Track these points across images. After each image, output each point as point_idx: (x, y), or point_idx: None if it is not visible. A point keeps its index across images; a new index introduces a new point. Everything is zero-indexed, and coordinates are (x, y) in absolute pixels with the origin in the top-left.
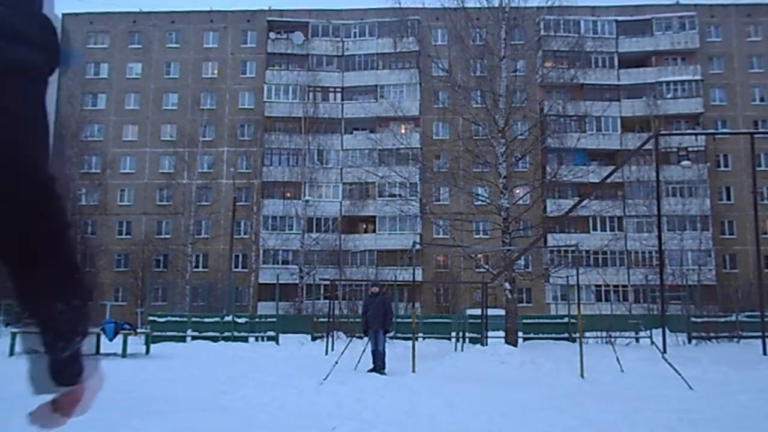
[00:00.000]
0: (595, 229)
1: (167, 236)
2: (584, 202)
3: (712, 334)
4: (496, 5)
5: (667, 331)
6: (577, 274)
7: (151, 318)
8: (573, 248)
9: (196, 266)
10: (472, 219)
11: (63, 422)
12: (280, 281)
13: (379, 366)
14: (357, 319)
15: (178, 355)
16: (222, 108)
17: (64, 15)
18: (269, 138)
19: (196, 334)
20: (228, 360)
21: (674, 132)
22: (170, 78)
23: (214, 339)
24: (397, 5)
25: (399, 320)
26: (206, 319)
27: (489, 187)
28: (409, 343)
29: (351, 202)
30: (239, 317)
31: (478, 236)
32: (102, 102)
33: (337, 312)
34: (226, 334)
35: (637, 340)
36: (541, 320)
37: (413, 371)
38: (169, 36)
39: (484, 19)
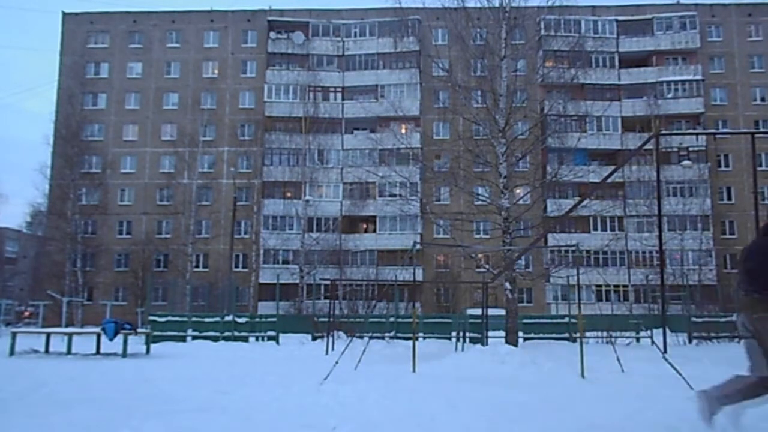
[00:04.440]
0: (595, 229)
1: (167, 236)
2: (585, 202)
3: (712, 334)
4: (497, 5)
5: (667, 331)
6: (578, 274)
7: (151, 318)
8: (573, 248)
9: (197, 266)
10: (473, 219)
11: None
12: (281, 281)
13: None
14: (358, 319)
15: (178, 355)
16: (222, 108)
17: (64, 15)
18: (269, 138)
19: (196, 333)
20: (228, 360)
21: (675, 132)
22: (170, 78)
23: (215, 339)
24: (397, 5)
25: (399, 320)
26: (206, 319)
27: (489, 187)
28: (410, 342)
29: (351, 201)
30: (239, 317)
31: (478, 236)
32: (102, 102)
33: (337, 312)
34: (226, 334)
35: (638, 340)
36: (541, 320)
37: (413, 371)
38: (170, 36)
39: (485, 18)
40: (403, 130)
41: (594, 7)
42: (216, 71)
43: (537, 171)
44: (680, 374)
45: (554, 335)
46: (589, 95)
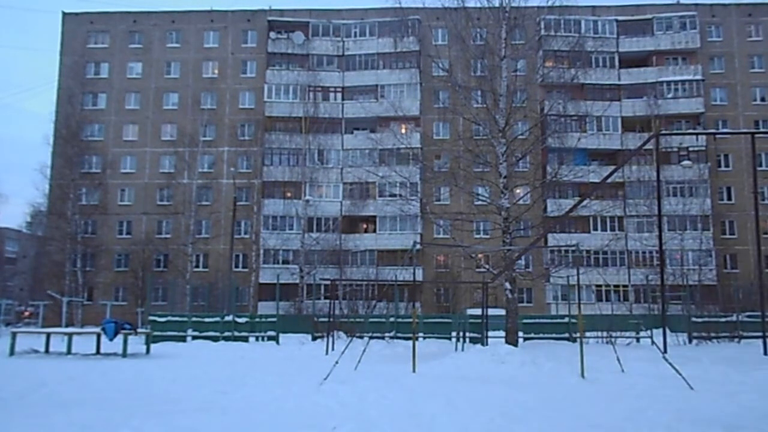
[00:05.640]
0: (595, 229)
1: (167, 236)
2: (585, 202)
3: (712, 334)
4: (497, 5)
5: (667, 331)
6: (578, 274)
7: (151, 318)
8: (573, 248)
9: (197, 266)
10: (473, 219)
11: None
12: (281, 281)
13: None
14: (358, 319)
15: (178, 355)
16: (222, 108)
17: (64, 15)
18: (269, 138)
19: (196, 333)
20: (228, 360)
21: (675, 132)
22: (170, 78)
23: (215, 339)
24: (397, 5)
25: (399, 320)
26: (206, 319)
27: (489, 187)
28: (410, 343)
29: (351, 201)
30: (239, 317)
31: (478, 236)
32: (102, 102)
33: (337, 312)
34: (226, 334)
35: (638, 340)
36: (541, 320)
37: (413, 371)
38: (170, 36)
39: (485, 18)
40: (403, 130)
41: (594, 7)
42: (216, 71)
43: (537, 171)
44: (680, 374)
45: (554, 335)
46: (589, 95)
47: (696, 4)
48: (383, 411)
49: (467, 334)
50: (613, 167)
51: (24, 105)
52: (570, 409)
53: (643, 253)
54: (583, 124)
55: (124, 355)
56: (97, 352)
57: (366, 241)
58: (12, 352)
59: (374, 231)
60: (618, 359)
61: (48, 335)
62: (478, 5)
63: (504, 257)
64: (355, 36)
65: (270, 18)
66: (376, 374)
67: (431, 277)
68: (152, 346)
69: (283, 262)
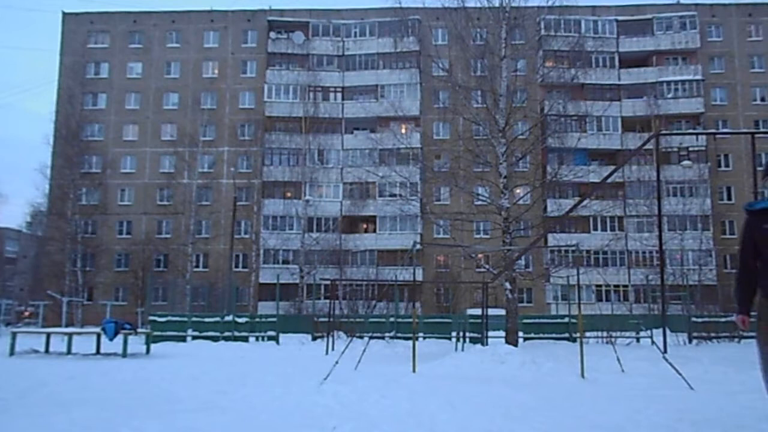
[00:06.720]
0: (595, 229)
1: (167, 236)
2: (585, 202)
3: (712, 334)
4: (497, 5)
5: (667, 331)
6: (578, 274)
7: (151, 318)
8: (573, 248)
9: (197, 266)
10: (473, 219)
11: None
12: (281, 281)
13: None
14: (358, 319)
15: (178, 355)
16: (222, 108)
17: (64, 15)
18: (269, 138)
19: (196, 333)
20: (228, 360)
21: (675, 132)
22: (170, 78)
23: (215, 339)
24: (397, 5)
25: (399, 320)
26: (206, 319)
27: (489, 187)
28: (410, 342)
29: (351, 201)
30: (239, 317)
31: (478, 236)
32: (102, 102)
33: (337, 312)
34: (226, 333)
35: (638, 340)
36: (541, 320)
37: (413, 371)
38: (170, 36)
39: (485, 18)
40: (403, 130)
41: (594, 7)
42: (216, 71)
43: (537, 171)
44: (680, 374)
45: (554, 335)
46: (589, 95)
47: (696, 4)
48: (383, 411)
49: (467, 334)
50: (613, 167)
51: (24, 105)
52: (570, 409)
53: (643, 253)
54: (583, 124)
55: (124, 355)
56: (97, 352)
57: (366, 241)
58: (12, 352)
59: (374, 231)
60: (618, 359)
61: (48, 335)
62: (478, 5)
63: (504, 257)
64: (355, 36)
65: (270, 18)
66: (376, 374)
67: (431, 277)
68: (152, 346)
69: (283, 262)
